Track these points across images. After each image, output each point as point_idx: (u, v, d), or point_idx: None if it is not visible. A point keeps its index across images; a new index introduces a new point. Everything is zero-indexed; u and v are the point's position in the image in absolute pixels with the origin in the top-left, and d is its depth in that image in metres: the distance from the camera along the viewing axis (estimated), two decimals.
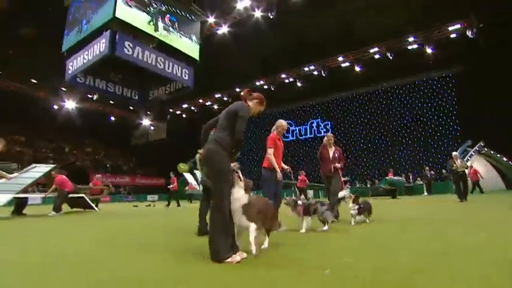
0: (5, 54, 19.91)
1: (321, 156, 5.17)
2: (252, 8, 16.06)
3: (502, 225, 3.86)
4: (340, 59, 21.07)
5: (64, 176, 8.83)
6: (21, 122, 26.15)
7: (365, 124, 25.02)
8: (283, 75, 23.25)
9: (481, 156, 17.04)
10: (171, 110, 30.43)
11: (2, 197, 7.09)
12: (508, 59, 15.91)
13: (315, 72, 22.37)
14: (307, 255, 2.51)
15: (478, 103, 18.43)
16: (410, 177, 19.81)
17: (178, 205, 12.63)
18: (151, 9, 10.16)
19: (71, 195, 8.89)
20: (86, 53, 9.63)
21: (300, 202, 3.94)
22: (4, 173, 5.13)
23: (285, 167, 4.20)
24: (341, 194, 4.48)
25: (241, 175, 2.56)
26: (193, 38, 11.69)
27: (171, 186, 12.53)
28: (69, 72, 10.41)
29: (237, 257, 2.23)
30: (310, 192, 18.78)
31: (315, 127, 27.31)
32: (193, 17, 12.04)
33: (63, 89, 24.92)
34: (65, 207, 9.38)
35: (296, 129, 28.32)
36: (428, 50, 18.48)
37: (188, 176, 20.81)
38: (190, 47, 11.45)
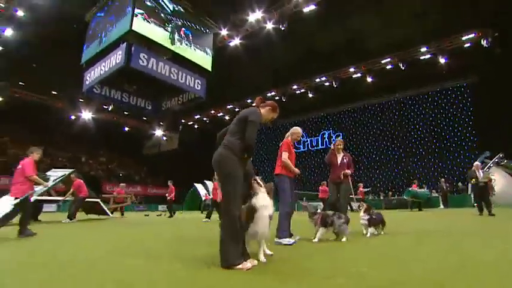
0: (29, 67, 20.86)
1: (330, 163, 4.97)
2: (263, 20, 16.35)
3: None
4: (352, 69, 21.02)
5: (82, 181, 9.07)
6: (40, 132, 27.04)
7: (377, 135, 24.67)
8: (295, 86, 23.34)
9: (500, 168, 16.43)
10: (183, 121, 30.88)
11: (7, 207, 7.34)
12: None
13: (326, 83, 22.36)
14: (318, 265, 2.45)
15: (495, 113, 17.93)
16: (425, 188, 19.29)
17: (171, 216, 12.33)
18: (170, 25, 10.52)
19: (86, 200, 9.10)
20: (103, 64, 9.99)
21: (318, 211, 3.93)
22: (41, 180, 5.45)
23: (297, 170, 4.06)
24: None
25: (259, 180, 2.56)
26: (207, 50, 11.97)
27: (170, 195, 12.50)
28: (87, 83, 10.80)
29: (247, 264, 2.20)
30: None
31: (326, 138, 27.11)
32: (206, 30, 12.37)
33: (80, 100, 25.79)
34: (79, 215, 9.54)
35: (308, 141, 28.18)
36: (442, 60, 18.22)
37: (199, 186, 20.87)
38: (203, 58, 11.71)
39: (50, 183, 6.23)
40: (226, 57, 18.06)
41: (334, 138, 26.52)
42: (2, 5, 15.31)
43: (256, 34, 17.32)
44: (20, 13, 15.55)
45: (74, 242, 4.40)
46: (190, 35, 11.35)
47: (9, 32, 16.78)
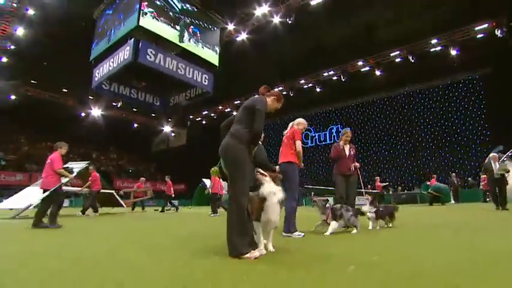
0: (40, 65, 21.25)
1: (338, 155, 4.83)
2: (270, 14, 16.22)
3: None
4: (360, 63, 20.71)
5: (98, 174, 9.29)
6: (51, 129, 27.61)
7: (386, 130, 24.32)
8: (302, 81, 23.15)
9: None
10: (191, 117, 31.05)
11: (31, 199, 7.59)
12: None
13: (334, 78, 22.10)
14: (327, 255, 2.45)
15: (509, 105, 17.45)
16: None
17: (162, 211, 12.40)
18: (179, 23, 10.56)
19: (102, 191, 9.32)
20: (112, 60, 10.10)
21: (328, 205, 3.89)
22: (67, 173, 5.67)
23: (301, 164, 3.97)
24: (365, 209, 4.27)
25: (261, 171, 2.55)
26: (214, 45, 11.98)
27: (169, 191, 12.60)
28: (96, 79, 10.95)
29: (255, 253, 2.20)
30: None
31: (334, 133, 26.85)
32: (214, 28, 12.36)
33: (90, 97, 26.18)
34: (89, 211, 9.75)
35: (315, 136, 27.99)
36: (453, 52, 17.76)
37: (207, 182, 20.99)
38: (210, 53, 11.73)
39: (74, 175, 6.47)
40: (233, 52, 18.02)
41: (342, 133, 26.24)
42: (14, 4, 15.59)
43: (263, 28, 17.21)
44: (31, 12, 15.81)
45: (87, 234, 4.49)
46: (198, 33, 11.38)
47: (20, 31, 17.09)
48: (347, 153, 4.84)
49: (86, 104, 27.34)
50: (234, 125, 2.54)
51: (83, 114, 28.50)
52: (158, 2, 10.09)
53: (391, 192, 19.19)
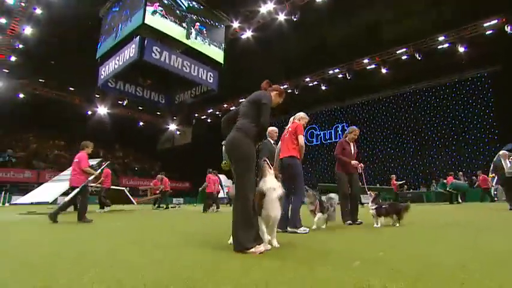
0: (48, 64, 21.50)
1: (344, 153, 4.81)
2: (275, 12, 16.16)
3: None
4: (366, 61, 20.52)
5: (110, 172, 9.43)
6: (59, 127, 27.96)
7: (392, 128, 24.09)
8: (307, 79, 23.03)
9: None
10: (196, 115, 31.14)
11: (50, 195, 7.80)
12: None
13: (340, 75, 21.95)
14: (331, 250, 2.44)
15: None
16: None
17: (158, 207, 12.56)
18: (186, 20, 10.60)
19: (112, 187, 9.45)
20: (117, 58, 10.17)
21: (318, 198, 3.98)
22: (93, 170, 5.86)
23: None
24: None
25: (268, 161, 2.56)
26: (219, 43, 11.99)
27: (161, 187, 12.70)
28: (102, 77, 11.04)
29: (260, 248, 2.20)
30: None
31: (340, 131, 26.69)
32: (220, 25, 12.37)
33: (96, 95, 26.43)
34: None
35: (321, 134, 27.86)
36: (461, 49, 17.48)
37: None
38: (215, 51, 11.76)
39: (98, 172, 6.63)
40: (238, 50, 18.01)
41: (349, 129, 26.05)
42: (23, 4, 15.78)
43: (268, 26, 17.16)
44: (38, 11, 15.99)
45: (97, 231, 4.54)
46: (204, 31, 11.42)
47: (28, 31, 17.30)
48: (352, 151, 4.83)
49: (92, 102, 27.61)
50: (240, 119, 2.53)
51: (89, 113, 28.78)
52: (166, 1, 10.14)
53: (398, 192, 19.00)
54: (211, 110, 29.92)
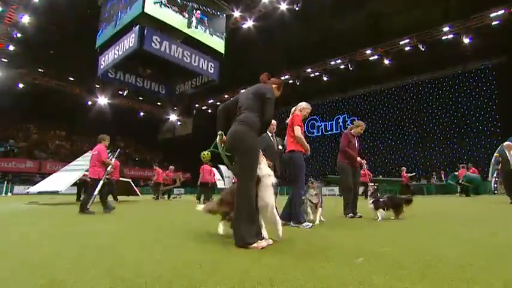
0: (47, 53, 21.28)
1: (349, 145, 4.79)
2: (277, 1, 15.86)
3: None
4: (368, 52, 20.22)
5: (118, 163, 9.42)
6: (60, 117, 27.89)
7: (394, 120, 23.94)
8: (309, 69, 22.78)
9: None
10: (197, 105, 31.00)
11: (61, 186, 7.86)
12: None
13: (342, 66, 21.67)
14: (334, 245, 2.42)
15: None
16: (442, 175, 18.82)
17: (157, 198, 12.63)
18: (187, 9, 10.39)
19: (119, 179, 9.48)
20: (117, 48, 10.04)
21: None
22: (111, 162, 5.98)
23: (308, 147, 3.80)
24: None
25: (261, 153, 2.53)
26: (220, 33, 11.80)
27: (154, 178, 12.76)
28: (101, 67, 10.92)
29: (262, 243, 2.19)
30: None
31: (341, 123, 26.58)
32: (221, 14, 12.15)
33: (96, 85, 26.25)
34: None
35: (322, 125, 27.74)
36: (466, 40, 17.17)
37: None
38: (216, 41, 11.59)
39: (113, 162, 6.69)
40: (239, 40, 17.75)
41: (349, 122, 25.96)
42: None
43: (269, 15, 16.87)
44: None
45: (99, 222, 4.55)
46: (206, 20, 11.21)
47: (26, 19, 17.02)
48: (356, 144, 4.86)
49: (92, 92, 27.46)
50: (244, 112, 2.48)
51: (89, 103, 28.66)
52: None
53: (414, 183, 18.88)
54: (211, 101, 29.76)
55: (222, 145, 2.63)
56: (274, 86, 2.76)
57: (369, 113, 25.08)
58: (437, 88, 22.21)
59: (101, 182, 5.60)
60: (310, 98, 26.77)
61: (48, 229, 3.45)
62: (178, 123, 34.71)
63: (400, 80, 23.36)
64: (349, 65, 20.79)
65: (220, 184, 16.78)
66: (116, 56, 10.08)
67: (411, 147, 22.86)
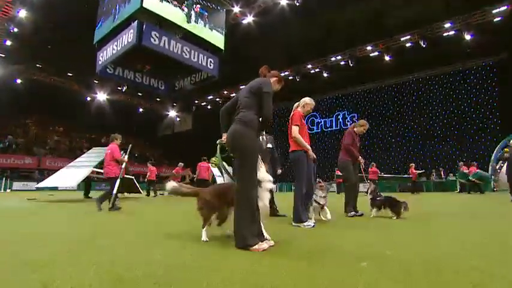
0: (45, 49, 21.06)
1: (353, 144, 4.82)
2: None
3: None
4: (369, 48, 20.09)
5: None
6: (59, 114, 27.77)
7: (394, 117, 23.87)
8: (309, 66, 22.65)
9: None
10: (196, 102, 30.87)
11: (72, 181, 7.86)
12: None
13: (342, 63, 21.54)
14: (337, 247, 2.38)
15: None
16: (442, 172, 18.83)
17: (148, 194, 12.76)
18: (186, 3, 10.23)
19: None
20: (115, 43, 9.91)
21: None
22: (124, 159, 6.07)
23: (309, 147, 3.65)
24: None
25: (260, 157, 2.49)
26: (219, 28, 11.66)
27: (148, 175, 12.81)
28: (100, 63, 10.80)
29: (264, 245, 2.14)
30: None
31: (341, 119, 26.52)
32: (221, 8, 12.00)
33: (95, 81, 26.08)
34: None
35: (321, 121, 27.68)
36: (467, 37, 17.04)
37: (215, 171, 21.24)
38: (216, 37, 11.45)
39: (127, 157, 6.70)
40: (239, 36, 17.59)
41: (349, 119, 25.90)
42: None
43: (269, 10, 16.70)
44: None
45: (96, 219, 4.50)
46: (205, 14, 11.07)
47: (23, 14, 16.81)
48: (358, 143, 4.91)
49: (91, 88, 27.30)
50: (242, 111, 2.40)
51: (88, 99, 28.51)
52: None
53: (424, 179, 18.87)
54: (211, 97, 29.63)
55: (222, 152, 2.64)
56: (274, 79, 2.68)
57: (368, 110, 25.01)
58: (437, 85, 22.12)
59: (118, 180, 5.74)
60: (310, 95, 26.57)
61: (48, 227, 3.41)
62: (178, 119, 34.61)
63: (400, 77, 23.25)
64: (350, 61, 20.66)
65: (219, 180, 16.74)
66: (114, 52, 9.96)
67: (411, 144, 22.84)
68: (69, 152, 26.45)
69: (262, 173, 2.41)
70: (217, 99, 29.90)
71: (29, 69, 23.97)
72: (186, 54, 10.03)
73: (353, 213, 4.46)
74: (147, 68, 12.37)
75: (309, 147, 3.65)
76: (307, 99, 3.91)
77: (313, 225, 3.40)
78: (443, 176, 18.58)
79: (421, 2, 16.45)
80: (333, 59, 21.66)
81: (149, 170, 12.80)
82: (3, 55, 20.81)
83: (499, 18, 16.08)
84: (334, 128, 26.96)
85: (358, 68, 21.23)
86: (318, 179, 3.95)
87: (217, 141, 2.67)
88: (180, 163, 13.56)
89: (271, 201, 4.04)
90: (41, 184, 8.56)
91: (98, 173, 8.66)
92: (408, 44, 18.90)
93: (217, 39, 11.48)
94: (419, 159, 21.91)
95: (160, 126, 36.80)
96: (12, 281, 1.44)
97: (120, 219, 4.31)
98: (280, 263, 1.79)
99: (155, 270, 1.60)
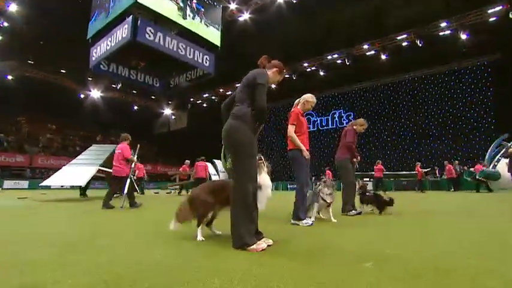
0: (37, 45, 20.65)
1: (355, 143, 4.85)
2: None
3: None
4: (366, 46, 20.09)
5: None
6: (51, 111, 27.31)
7: (389, 115, 23.98)
8: (305, 64, 22.59)
9: None
10: (192, 99, 30.64)
11: (80, 180, 7.71)
12: None
13: (339, 61, 21.51)
14: (337, 246, 2.30)
15: None
16: (437, 171, 18.93)
17: (137, 191, 12.70)
18: None
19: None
20: (109, 39, 9.71)
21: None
22: (134, 159, 6.24)
23: (303, 148, 3.55)
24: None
25: (263, 157, 2.42)
26: (216, 25, 11.50)
27: (136, 173, 12.65)
28: (93, 59, 10.58)
29: (262, 245, 2.05)
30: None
31: (337, 118, 26.56)
32: (217, 4, 11.84)
33: (89, 78, 25.68)
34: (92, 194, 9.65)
35: (317, 120, 27.69)
36: (463, 36, 17.12)
37: (211, 169, 21.20)
38: (212, 33, 11.29)
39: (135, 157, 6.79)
40: (235, 33, 17.44)
41: (345, 118, 25.94)
42: None
43: (266, 8, 16.57)
44: None
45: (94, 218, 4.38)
46: (202, 10, 10.89)
47: (13, 8, 16.42)
48: (355, 142, 4.91)
49: (85, 85, 26.88)
50: (236, 105, 2.32)
51: (82, 96, 28.09)
52: None
53: (392, 179, 19.09)
54: (206, 95, 29.42)
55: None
56: (274, 69, 2.58)
57: (365, 109, 25.08)
58: (433, 84, 22.25)
59: (128, 180, 5.90)
60: (307, 93, 26.64)
61: (46, 227, 3.28)
62: (173, 117, 34.34)
63: (396, 76, 23.35)
64: (346, 60, 20.63)
65: (215, 179, 16.66)
66: (108, 48, 9.74)
67: (406, 142, 22.96)
68: (62, 150, 26.07)
69: (264, 177, 2.38)
70: (213, 97, 29.69)
71: (21, 65, 23.48)
72: (181, 51, 9.87)
73: (354, 212, 4.39)
74: (141, 65, 12.17)
75: (303, 147, 3.56)
76: (308, 96, 3.83)
77: (311, 223, 3.36)
78: (437, 175, 18.68)
79: (418, 2, 16.47)
80: (330, 57, 21.63)
81: (137, 167, 12.61)
82: None
83: (494, 18, 16.17)
84: (330, 126, 27.00)
85: (355, 67, 21.23)
86: (322, 177, 3.89)
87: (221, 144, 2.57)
88: (186, 160, 13.37)
89: None
90: (46, 182, 8.30)
91: (103, 171, 8.51)
92: (405, 43, 18.94)
93: (214, 35, 11.31)
94: (415, 158, 21.98)
95: (155, 124, 36.50)
96: (12, 281, 1.42)
97: (120, 219, 4.22)
98: (280, 262, 1.72)
99: (155, 270, 1.57)
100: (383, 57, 19.96)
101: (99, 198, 5.53)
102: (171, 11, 9.89)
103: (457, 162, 15.56)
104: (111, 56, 10.38)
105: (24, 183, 20.72)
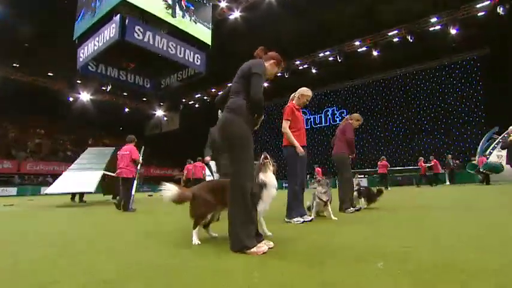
0: (22, 47, 20.10)
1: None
2: None
3: None
4: (357, 43, 20.13)
5: None
6: (39, 115, 26.70)
7: (382, 111, 24.13)
8: (297, 62, 22.54)
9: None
10: (183, 100, 30.34)
11: (89, 186, 7.48)
12: None
13: (331, 58, 21.53)
14: (342, 245, 2.16)
15: (505, 87, 17.28)
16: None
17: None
18: None
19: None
20: (97, 39, 9.42)
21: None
22: (140, 159, 6.18)
23: (297, 144, 3.43)
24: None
25: (268, 155, 2.31)
26: (206, 23, 11.29)
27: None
28: (81, 60, 10.27)
29: (263, 247, 1.90)
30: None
31: (330, 115, 26.61)
32: (207, 2, 11.63)
33: (78, 81, 25.17)
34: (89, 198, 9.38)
35: (311, 118, 27.69)
36: (453, 31, 17.28)
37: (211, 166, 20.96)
38: (202, 32, 11.07)
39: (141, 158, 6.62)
40: (226, 32, 17.26)
41: (338, 115, 26.00)
42: None
43: (257, 6, 16.43)
44: None
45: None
46: (191, 8, 10.66)
47: None
48: None
49: (74, 88, 26.33)
50: (231, 97, 2.17)
51: (71, 99, 27.52)
52: None
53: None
54: (199, 95, 29.16)
55: None
56: (271, 61, 2.45)
57: (357, 105, 25.17)
58: (424, 80, 22.46)
59: (135, 181, 5.91)
60: None
61: (46, 230, 3.08)
62: (165, 118, 33.97)
63: (388, 72, 23.51)
64: (338, 57, 20.65)
65: (209, 180, 16.43)
66: (95, 48, 9.44)
67: (399, 138, 23.12)
68: (52, 155, 25.51)
69: (269, 176, 2.31)
70: (205, 98, 29.45)
71: (5, 69, 22.83)
72: (171, 50, 9.63)
73: (352, 209, 4.28)
74: (131, 67, 11.88)
75: (297, 143, 3.44)
76: (303, 90, 3.71)
77: (310, 220, 3.31)
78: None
79: None
80: (322, 54, 21.62)
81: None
82: None
83: (482, 13, 16.34)
84: (323, 124, 27.03)
85: (347, 64, 21.29)
86: (315, 176, 3.79)
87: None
88: (188, 160, 13.16)
89: None
90: (50, 190, 7.96)
91: (107, 176, 8.38)
92: (396, 39, 19.02)
93: (204, 34, 11.10)
94: (408, 153, 22.21)
95: (147, 126, 36.07)
96: (12, 281, 1.43)
97: (120, 219, 4.15)
98: (282, 265, 1.61)
99: (155, 271, 1.56)
100: (375, 53, 20.02)
101: (98, 204, 5.37)
102: (160, 9, 9.66)
103: (450, 156, 15.67)
104: (99, 57, 10.08)
105: (13, 190, 20.18)
